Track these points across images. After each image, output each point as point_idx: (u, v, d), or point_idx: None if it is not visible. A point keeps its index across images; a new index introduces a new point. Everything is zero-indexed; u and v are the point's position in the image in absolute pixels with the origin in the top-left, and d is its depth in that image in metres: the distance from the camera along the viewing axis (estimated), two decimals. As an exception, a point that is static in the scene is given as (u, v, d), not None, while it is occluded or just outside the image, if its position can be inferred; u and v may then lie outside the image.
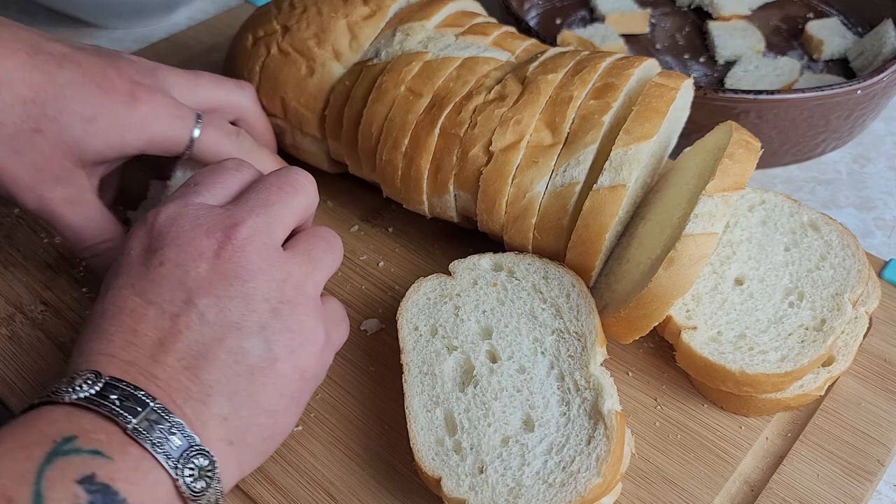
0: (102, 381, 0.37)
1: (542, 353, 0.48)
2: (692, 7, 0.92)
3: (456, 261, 0.53)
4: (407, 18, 0.61)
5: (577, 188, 0.51)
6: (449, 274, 0.53)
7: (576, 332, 0.48)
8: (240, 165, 0.48)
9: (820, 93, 0.66)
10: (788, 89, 0.69)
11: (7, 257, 0.62)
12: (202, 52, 0.84)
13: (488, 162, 0.53)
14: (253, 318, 0.41)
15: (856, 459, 0.48)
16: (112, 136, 0.50)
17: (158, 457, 0.36)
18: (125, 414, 0.36)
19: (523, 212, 0.53)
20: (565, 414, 0.45)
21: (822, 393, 0.49)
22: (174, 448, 0.37)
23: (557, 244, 0.53)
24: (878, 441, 0.49)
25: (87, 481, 0.33)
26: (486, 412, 0.45)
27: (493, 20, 0.63)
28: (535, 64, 0.56)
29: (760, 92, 0.66)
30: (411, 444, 0.45)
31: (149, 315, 0.40)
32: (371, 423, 0.50)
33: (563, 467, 0.42)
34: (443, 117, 0.55)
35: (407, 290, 0.52)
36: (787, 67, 0.80)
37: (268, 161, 0.58)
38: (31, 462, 0.33)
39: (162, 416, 0.37)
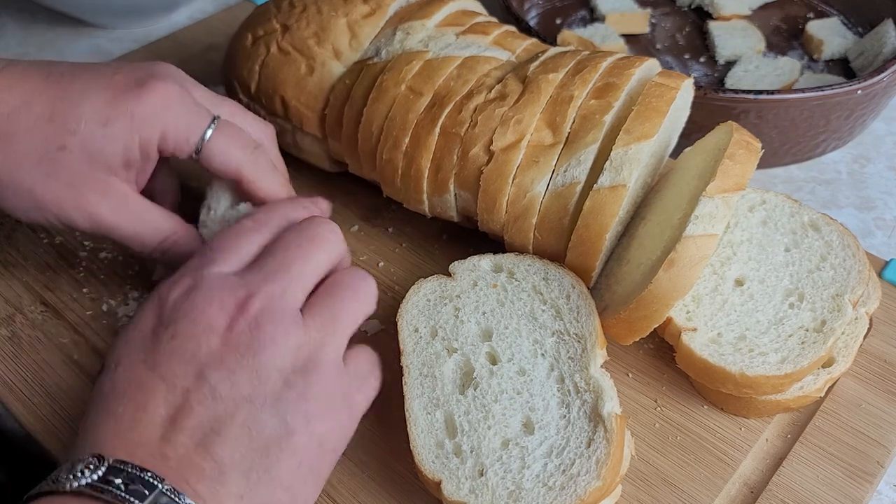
0: (105, 464, 0.36)
1: (543, 354, 0.47)
2: (692, 7, 0.92)
3: (456, 262, 0.53)
4: (407, 17, 0.61)
5: (578, 188, 0.51)
6: (449, 275, 0.53)
7: (576, 334, 0.48)
8: (260, 226, 0.47)
9: (820, 93, 0.66)
10: (788, 89, 0.69)
11: (7, 257, 0.62)
12: (201, 51, 0.84)
13: (489, 161, 0.53)
14: (265, 390, 0.40)
15: (856, 461, 0.48)
16: (129, 135, 0.49)
17: None
18: (131, 499, 0.34)
19: (524, 211, 0.52)
20: (565, 416, 0.45)
21: (822, 394, 0.49)
22: None
23: (558, 244, 0.52)
24: (879, 442, 0.49)
25: None
26: (486, 415, 0.45)
27: (494, 20, 0.63)
28: (536, 63, 0.56)
29: (760, 92, 0.66)
30: (411, 447, 0.44)
31: (159, 390, 0.39)
32: (371, 425, 0.50)
33: (563, 470, 0.42)
34: (443, 116, 0.55)
35: (407, 290, 0.52)
36: (787, 67, 0.80)
37: (280, 188, 0.55)
38: None
39: (172, 499, 0.35)
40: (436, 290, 0.52)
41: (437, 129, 0.55)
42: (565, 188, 0.51)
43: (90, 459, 0.36)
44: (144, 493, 0.35)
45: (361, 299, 0.46)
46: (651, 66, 0.57)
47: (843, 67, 0.83)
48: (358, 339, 0.55)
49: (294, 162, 0.64)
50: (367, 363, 0.46)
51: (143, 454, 0.37)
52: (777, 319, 0.50)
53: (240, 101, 0.65)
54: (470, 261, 0.53)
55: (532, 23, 0.89)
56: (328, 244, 0.46)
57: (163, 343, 0.40)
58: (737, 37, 0.85)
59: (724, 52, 0.83)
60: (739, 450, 0.49)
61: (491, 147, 0.53)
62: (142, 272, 0.60)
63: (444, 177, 0.55)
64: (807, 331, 0.49)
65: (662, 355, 0.54)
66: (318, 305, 0.44)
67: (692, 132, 0.64)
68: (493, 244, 0.58)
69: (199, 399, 0.39)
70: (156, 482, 0.35)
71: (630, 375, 0.53)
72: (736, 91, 0.66)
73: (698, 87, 0.65)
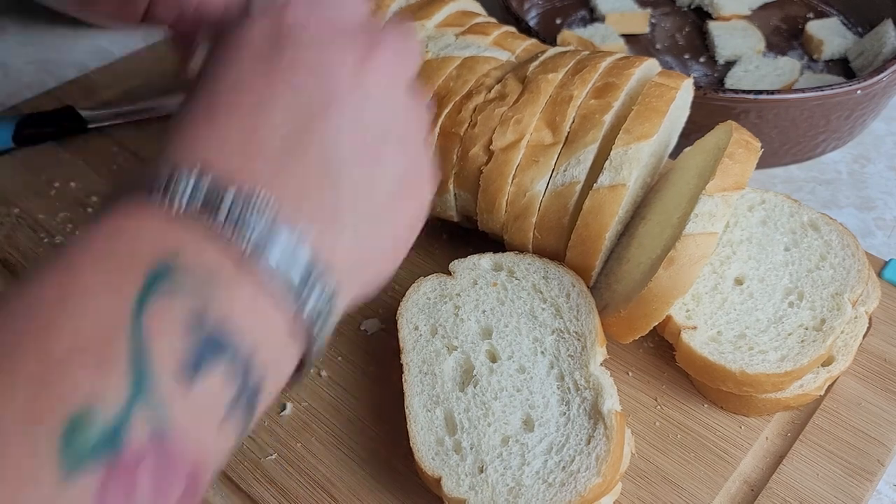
0: (211, 181, 0.29)
1: (542, 352, 0.48)
2: (692, 7, 0.92)
3: (456, 260, 0.53)
4: (407, 18, 0.61)
5: (578, 188, 0.51)
6: (449, 274, 0.53)
7: (576, 332, 0.48)
8: None
9: (820, 93, 0.66)
10: (788, 89, 0.69)
11: (7, 257, 0.62)
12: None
13: (488, 161, 0.53)
14: (390, 143, 0.35)
15: (856, 459, 0.48)
16: None
17: (279, 281, 0.29)
18: (241, 226, 0.29)
19: (523, 211, 0.53)
20: (565, 414, 0.45)
21: (822, 393, 0.49)
22: (300, 267, 0.30)
23: (558, 244, 0.53)
24: (878, 441, 0.49)
25: (197, 322, 0.27)
26: (486, 412, 0.45)
27: (493, 20, 0.63)
28: (536, 63, 0.56)
29: (760, 92, 0.66)
30: (411, 444, 0.45)
31: (276, 113, 0.32)
32: (371, 423, 0.50)
33: (563, 467, 0.42)
34: (443, 116, 0.55)
35: (407, 289, 0.52)
36: (787, 67, 0.80)
37: None
38: (124, 301, 0.26)
39: (286, 233, 0.29)
40: (436, 289, 0.52)
41: (437, 129, 0.55)
42: (565, 188, 0.51)
43: (193, 173, 0.29)
44: (255, 222, 0.29)
45: None
46: (651, 66, 0.57)
47: (843, 67, 0.83)
48: (358, 339, 0.55)
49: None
50: None
51: (260, 170, 0.31)
52: (777, 318, 0.50)
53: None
54: (470, 259, 0.53)
55: (532, 23, 0.89)
56: (416, 50, 0.40)
57: (283, 63, 0.33)
58: (737, 37, 0.85)
59: (724, 52, 0.83)
60: (740, 448, 0.49)
61: (490, 147, 0.53)
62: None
63: (443, 177, 0.55)
64: (806, 329, 0.49)
65: (662, 354, 0.54)
66: None
67: (692, 132, 0.64)
68: (493, 243, 0.58)
69: (323, 131, 0.33)
70: (269, 210, 0.29)
71: (630, 374, 0.53)
72: (736, 91, 0.66)
73: (698, 87, 0.65)
